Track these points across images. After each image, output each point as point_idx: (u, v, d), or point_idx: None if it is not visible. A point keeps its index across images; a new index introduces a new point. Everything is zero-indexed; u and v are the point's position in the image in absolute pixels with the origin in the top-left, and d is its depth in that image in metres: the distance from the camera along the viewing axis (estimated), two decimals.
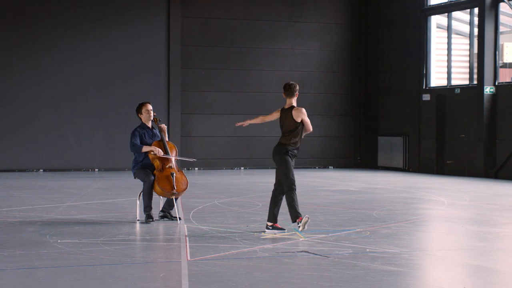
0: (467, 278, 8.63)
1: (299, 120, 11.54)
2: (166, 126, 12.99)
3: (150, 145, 12.59)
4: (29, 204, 15.22)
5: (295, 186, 11.28)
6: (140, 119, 12.91)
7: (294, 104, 11.73)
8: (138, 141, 12.60)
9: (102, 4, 26.02)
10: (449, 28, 25.44)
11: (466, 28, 25.69)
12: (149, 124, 12.88)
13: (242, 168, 27.52)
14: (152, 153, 12.51)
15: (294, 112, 11.56)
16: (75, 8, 25.72)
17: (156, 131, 12.86)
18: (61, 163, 25.59)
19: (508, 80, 24.01)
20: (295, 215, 11.14)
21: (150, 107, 12.91)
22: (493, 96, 23.35)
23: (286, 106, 11.74)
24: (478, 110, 23.53)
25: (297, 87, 11.90)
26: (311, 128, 11.78)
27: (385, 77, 28.17)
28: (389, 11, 27.96)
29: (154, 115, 12.95)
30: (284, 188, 11.31)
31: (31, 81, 25.26)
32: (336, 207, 15.00)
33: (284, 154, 11.50)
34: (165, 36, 26.49)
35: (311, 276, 8.22)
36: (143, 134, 12.74)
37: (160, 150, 12.50)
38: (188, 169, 26.54)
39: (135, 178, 12.80)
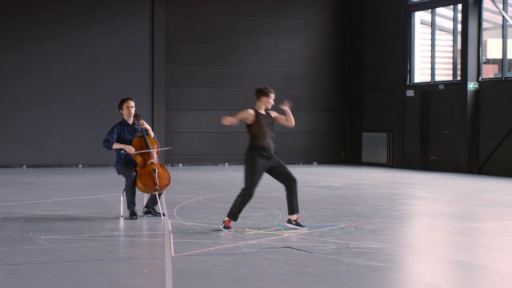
0: (450, 273, 8.66)
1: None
2: (144, 122, 12.89)
3: (130, 141, 12.53)
4: (12, 200, 15.17)
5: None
6: (122, 115, 12.88)
7: (257, 107, 11.70)
8: (112, 138, 12.55)
9: None
10: (432, 24, 25.51)
11: (449, 24, 25.76)
12: (130, 121, 12.83)
13: (226, 164, 27.52)
14: (122, 151, 12.46)
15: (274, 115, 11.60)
16: (59, 3, 25.63)
17: (138, 127, 12.81)
18: (44, 159, 25.50)
19: (491, 76, 24.08)
20: (231, 216, 11.09)
21: (131, 103, 12.84)
22: (477, 92, 23.43)
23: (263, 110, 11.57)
24: (462, 106, 23.61)
25: (261, 92, 11.79)
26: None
27: (369, 73, 28.23)
28: (373, 7, 28.01)
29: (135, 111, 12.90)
30: (243, 187, 11.17)
31: (14, 76, 25.15)
32: (320, 202, 15.03)
33: (252, 153, 11.40)
34: (149, 32, 26.44)
35: (295, 272, 8.23)
36: (123, 131, 12.69)
37: (132, 148, 12.43)
38: (172, 165, 26.51)
39: (118, 174, 12.79)
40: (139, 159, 12.44)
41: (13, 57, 25.17)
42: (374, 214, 13.21)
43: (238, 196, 11.13)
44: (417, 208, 14.72)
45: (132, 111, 12.80)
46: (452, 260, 9.29)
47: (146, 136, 12.67)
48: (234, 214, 11.11)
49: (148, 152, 12.54)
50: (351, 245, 9.90)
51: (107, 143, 12.53)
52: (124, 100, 12.88)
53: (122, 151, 12.49)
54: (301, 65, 28.32)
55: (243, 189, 11.12)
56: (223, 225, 11.05)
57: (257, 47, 27.84)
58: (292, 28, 28.21)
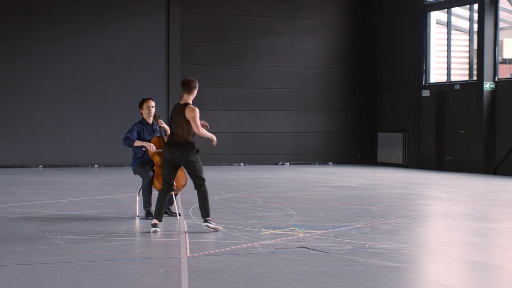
0: (467, 274, 8.63)
1: (188, 118, 10.97)
2: (163, 122, 12.94)
3: (149, 141, 12.60)
4: (28, 200, 15.21)
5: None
6: (142, 114, 12.94)
7: (190, 102, 11.14)
8: (133, 136, 12.61)
9: None
10: (448, 24, 25.43)
11: (465, 24, 25.68)
12: (150, 121, 12.89)
13: (241, 164, 27.52)
14: (143, 149, 12.53)
15: (187, 110, 10.98)
16: (74, 3, 25.70)
17: (157, 127, 12.86)
18: (61, 159, 25.58)
19: (507, 76, 24.00)
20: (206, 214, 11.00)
21: (152, 103, 12.90)
22: (493, 92, 23.34)
23: (182, 102, 11.15)
24: (478, 106, 23.53)
25: (197, 84, 11.23)
26: (200, 131, 11.08)
27: (384, 73, 28.16)
28: (389, 7, 27.94)
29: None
30: (197, 187, 11.06)
31: (31, 77, 25.25)
32: (335, 203, 15.01)
33: (195, 152, 11.13)
34: (164, 32, 26.48)
35: (311, 272, 8.22)
36: (142, 130, 12.75)
37: (153, 146, 12.49)
38: None
39: (134, 174, 12.83)
40: (157, 159, 12.48)
41: (29, 57, 25.25)
42: (390, 214, 13.18)
43: (204, 192, 11.03)
44: (433, 208, 14.68)
45: (152, 111, 12.87)
46: (468, 261, 9.26)
47: (165, 137, 12.71)
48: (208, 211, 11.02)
49: None
50: (367, 245, 9.88)
51: (128, 141, 12.59)
52: (145, 100, 12.94)
53: (144, 149, 12.54)
54: (316, 65, 28.28)
55: (203, 182, 11.04)
56: (209, 223, 10.93)
57: (272, 47, 27.83)
58: (307, 28, 28.18)
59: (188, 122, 10.97)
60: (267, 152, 27.85)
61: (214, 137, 11.39)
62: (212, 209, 13.67)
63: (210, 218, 11.00)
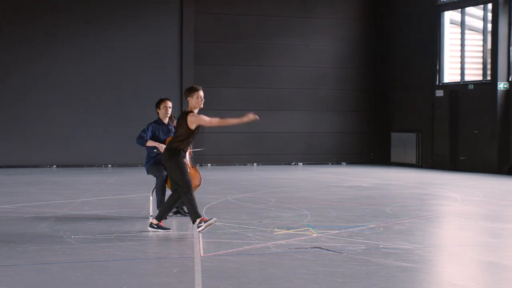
0: (481, 274, 8.61)
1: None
2: None
3: (164, 141, 12.61)
4: (42, 199, 15.26)
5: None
6: (158, 114, 12.96)
7: (190, 109, 11.18)
8: (147, 135, 12.62)
9: None
10: (462, 24, 25.37)
11: (479, 24, 25.60)
12: (166, 121, 12.91)
13: (254, 164, 27.53)
14: (155, 150, 12.53)
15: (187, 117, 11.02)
16: (87, 4, 25.77)
17: (172, 128, 12.88)
18: (74, 158, 25.65)
19: None
20: (197, 216, 10.71)
21: (169, 104, 12.93)
22: (507, 92, 23.27)
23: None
24: (492, 106, 23.46)
25: (188, 92, 11.18)
26: (213, 122, 11.32)
27: (398, 73, 28.11)
28: (403, 6, 27.89)
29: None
30: (183, 190, 10.83)
31: (43, 76, 25.34)
32: (349, 203, 14.99)
33: (177, 156, 10.94)
34: (178, 32, 26.52)
35: (324, 272, 8.21)
36: (157, 130, 12.77)
37: (164, 147, 12.49)
38: (201, 165, 26.56)
39: (148, 174, 12.84)
40: None
41: (41, 57, 25.33)
42: (404, 215, 13.15)
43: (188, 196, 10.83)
44: (446, 209, 14.64)
45: (169, 112, 12.90)
46: (482, 261, 9.23)
47: None
48: (197, 211, 10.81)
49: None
50: (381, 246, 9.87)
51: (141, 140, 12.61)
52: (162, 100, 12.96)
53: (155, 150, 12.56)
54: (330, 65, 28.27)
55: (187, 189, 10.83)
56: (200, 224, 10.64)
57: (285, 47, 27.82)
58: (320, 28, 28.17)
59: (191, 128, 10.96)
60: (281, 152, 27.85)
61: (246, 119, 11.19)
62: (226, 209, 13.70)
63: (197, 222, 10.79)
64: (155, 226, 11.06)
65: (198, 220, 10.66)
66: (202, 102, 11.22)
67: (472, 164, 24.55)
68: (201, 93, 11.20)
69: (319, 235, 10.73)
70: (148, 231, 11.04)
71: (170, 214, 12.59)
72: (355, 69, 28.54)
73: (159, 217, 11.10)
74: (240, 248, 9.62)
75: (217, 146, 27.04)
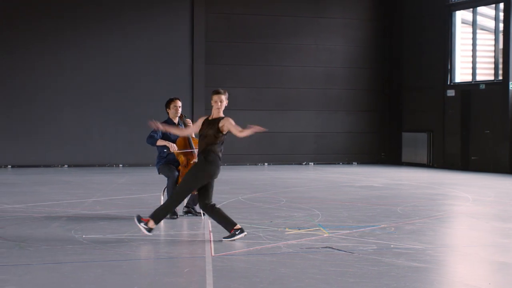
0: (492, 275, 8.58)
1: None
2: (190, 121, 12.99)
3: (174, 140, 12.62)
4: (54, 199, 15.29)
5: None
6: (168, 114, 12.97)
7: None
8: (157, 134, 12.63)
9: None
10: (474, 24, 25.31)
11: (491, 23, 25.54)
12: (176, 120, 12.92)
13: (266, 163, 27.53)
14: (165, 150, 12.55)
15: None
16: (99, 3, 25.82)
17: (182, 127, 12.88)
18: (85, 158, 25.71)
19: None
20: (157, 219, 10.29)
21: (179, 103, 12.94)
22: None
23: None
24: (503, 106, 23.41)
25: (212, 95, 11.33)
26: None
27: (409, 72, 28.07)
28: (414, 6, 27.85)
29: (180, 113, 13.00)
30: (173, 192, 10.64)
31: (55, 76, 25.39)
32: (360, 203, 14.97)
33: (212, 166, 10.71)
34: (189, 32, 26.54)
35: (335, 272, 8.21)
36: None
37: (175, 146, 12.50)
38: None
39: (159, 173, 12.86)
40: (182, 159, 12.50)
41: (53, 57, 25.39)
42: (415, 215, 13.13)
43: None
44: (458, 209, 14.61)
45: (179, 111, 12.91)
46: (494, 261, 9.21)
47: (190, 136, 12.73)
48: (160, 217, 10.39)
49: (191, 151, 12.59)
50: (392, 246, 9.85)
51: (152, 139, 12.63)
52: (172, 100, 12.98)
53: (165, 150, 12.57)
54: (341, 65, 28.25)
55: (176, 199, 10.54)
56: (143, 224, 10.23)
57: (296, 47, 27.81)
58: (331, 28, 28.15)
59: (222, 133, 11.06)
60: (291, 152, 27.84)
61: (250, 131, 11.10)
62: (237, 208, 13.70)
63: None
64: (143, 223, 10.31)
65: (147, 223, 10.23)
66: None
67: (484, 164, 24.49)
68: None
69: (330, 235, 10.72)
70: (159, 231, 11.05)
71: (181, 213, 12.62)
72: (366, 69, 28.51)
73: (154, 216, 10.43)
74: (251, 248, 9.62)
75: (228, 146, 27.00)
